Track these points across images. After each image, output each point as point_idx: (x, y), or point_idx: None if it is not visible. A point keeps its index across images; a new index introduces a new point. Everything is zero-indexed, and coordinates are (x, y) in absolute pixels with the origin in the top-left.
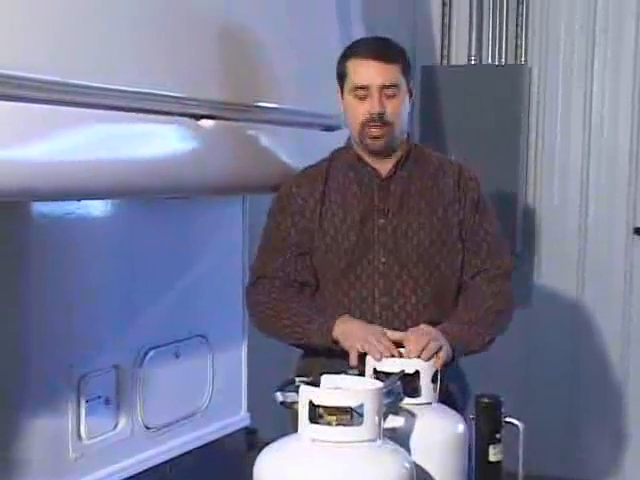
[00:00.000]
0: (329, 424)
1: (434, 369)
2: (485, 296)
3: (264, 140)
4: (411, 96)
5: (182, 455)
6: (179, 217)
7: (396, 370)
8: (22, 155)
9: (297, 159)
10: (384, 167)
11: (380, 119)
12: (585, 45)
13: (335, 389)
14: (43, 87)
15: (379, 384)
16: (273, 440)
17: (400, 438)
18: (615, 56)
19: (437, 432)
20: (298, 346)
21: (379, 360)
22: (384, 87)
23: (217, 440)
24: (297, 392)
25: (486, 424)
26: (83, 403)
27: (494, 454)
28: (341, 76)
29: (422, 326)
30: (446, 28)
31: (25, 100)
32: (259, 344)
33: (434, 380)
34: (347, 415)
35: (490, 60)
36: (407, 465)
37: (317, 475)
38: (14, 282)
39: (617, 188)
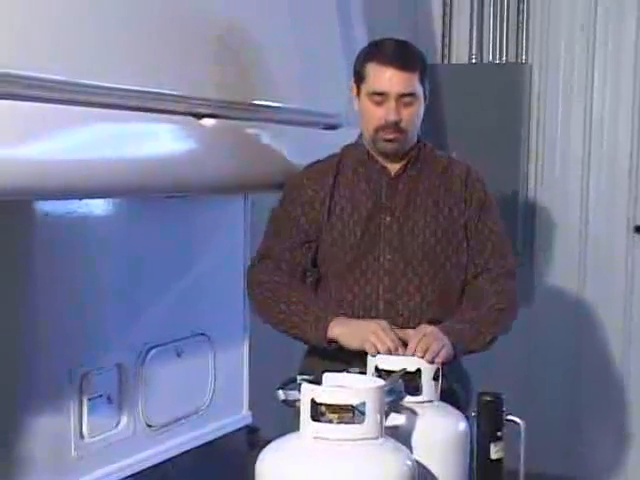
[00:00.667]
0: (331, 422)
1: (435, 367)
2: (488, 295)
3: (266, 139)
4: (426, 100)
5: (184, 453)
6: (181, 216)
7: (398, 368)
8: (24, 154)
9: (299, 158)
10: (393, 166)
11: (395, 126)
12: (586, 43)
13: (337, 387)
14: (44, 86)
15: (381, 382)
16: (275, 438)
17: (402, 436)
18: (616, 55)
19: (438, 430)
20: (294, 338)
21: (388, 353)
22: (402, 95)
23: (219, 438)
24: (299, 390)
25: (487, 422)
26: (85, 401)
27: (495, 452)
28: (359, 76)
29: (423, 326)
30: (447, 27)
31: (27, 99)
32: (261, 342)
33: (435, 378)
34: (349, 413)
35: (491, 59)
36: (409, 463)
37: (319, 473)
38: (16, 281)
39: (618, 186)
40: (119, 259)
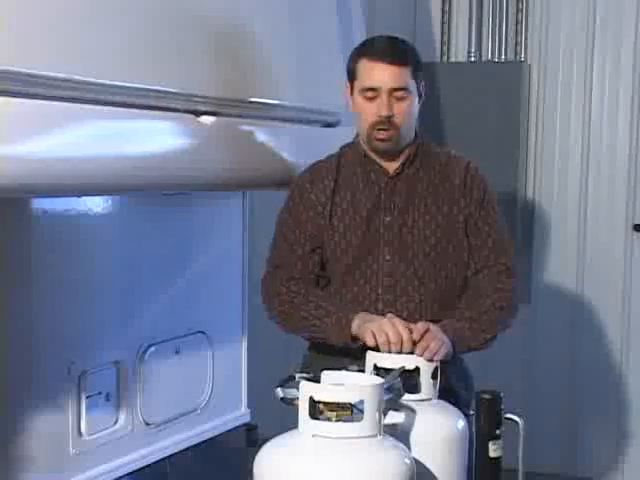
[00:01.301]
0: (329, 420)
1: (434, 365)
2: (487, 293)
3: (264, 136)
4: (421, 98)
5: (182, 451)
6: (179, 213)
7: (396, 366)
8: (23, 151)
9: (297, 156)
10: (391, 165)
11: (388, 122)
12: (585, 42)
13: (335, 385)
14: (43, 83)
15: (379, 380)
16: (273, 436)
17: (400, 434)
18: (615, 53)
19: (437, 428)
20: (317, 343)
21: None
22: (394, 90)
23: (217, 436)
24: (297, 388)
25: (486, 420)
26: (83, 399)
27: (494, 450)
28: (351, 74)
29: (421, 324)
30: (446, 25)
31: (26, 96)
32: (259, 340)
33: (434, 376)
34: (347, 411)
35: (490, 57)
36: (407, 461)
37: (317, 471)
38: (14, 278)
39: (616, 185)
40: (117, 257)
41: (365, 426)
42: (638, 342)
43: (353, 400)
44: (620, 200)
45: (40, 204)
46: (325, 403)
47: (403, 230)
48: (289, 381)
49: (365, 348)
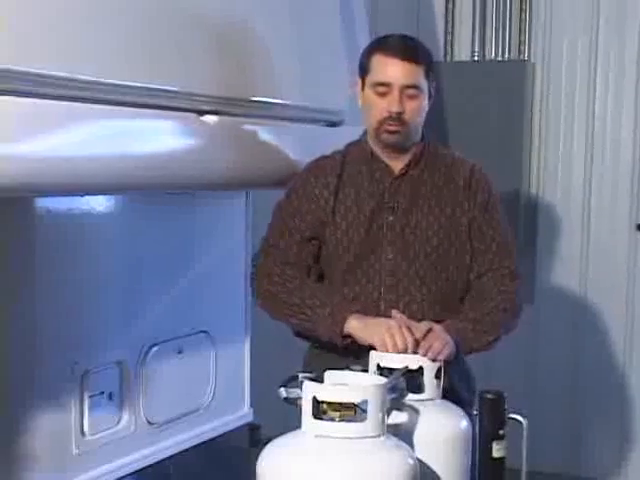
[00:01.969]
0: (333, 420)
1: (438, 365)
2: (491, 295)
3: (267, 136)
4: (431, 97)
5: (185, 451)
6: (182, 213)
7: (400, 366)
8: (26, 150)
9: (301, 155)
10: (397, 165)
11: (398, 118)
12: (588, 41)
13: (339, 385)
14: (48, 82)
15: (383, 380)
16: (276, 436)
17: (404, 434)
18: (618, 52)
19: (440, 428)
20: (302, 335)
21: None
22: (406, 87)
23: (220, 436)
24: (301, 388)
25: (490, 420)
26: (86, 399)
27: (497, 450)
28: (363, 70)
29: (424, 323)
30: (449, 24)
31: (29, 95)
32: (262, 340)
33: (437, 376)
34: (351, 411)
35: (493, 56)
36: (411, 461)
37: (320, 471)
38: (18, 278)
39: (620, 184)
40: (121, 257)
41: (368, 426)
42: None
43: (356, 400)
44: (624, 200)
45: (43, 203)
46: (328, 403)
47: (406, 230)
48: (292, 381)
49: (355, 347)
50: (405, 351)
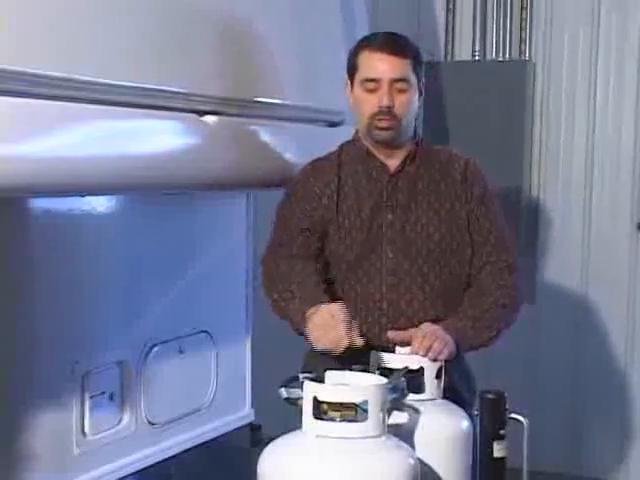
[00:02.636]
0: (333, 420)
1: (438, 365)
2: (490, 291)
3: (268, 136)
4: (421, 95)
5: (186, 451)
6: (183, 213)
7: (400, 366)
8: (26, 151)
9: (301, 155)
10: (392, 162)
11: (389, 113)
12: (589, 40)
13: (339, 385)
14: (47, 83)
15: (383, 380)
16: (277, 436)
17: (404, 434)
18: (619, 51)
19: (441, 428)
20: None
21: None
22: (394, 81)
23: (221, 436)
24: (301, 388)
25: (490, 420)
26: (87, 399)
27: (498, 450)
28: (352, 69)
29: (425, 324)
30: (450, 24)
31: (29, 96)
32: (263, 340)
33: (438, 376)
34: (351, 411)
35: (494, 56)
36: (411, 461)
37: (321, 471)
38: (18, 278)
39: (621, 184)
40: (121, 257)
41: (369, 426)
42: None
43: (357, 400)
44: (624, 200)
45: (43, 203)
46: (329, 403)
47: (406, 228)
48: (293, 381)
49: (369, 348)
50: (337, 347)
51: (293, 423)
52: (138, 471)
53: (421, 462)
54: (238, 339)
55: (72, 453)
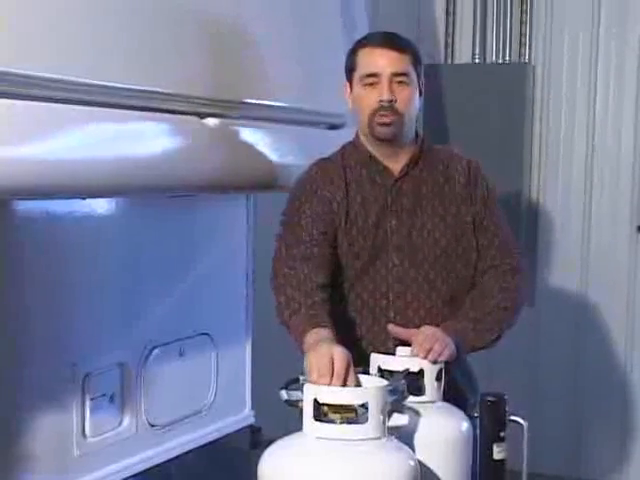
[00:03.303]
0: (334, 422)
1: (438, 367)
2: (493, 293)
3: (269, 139)
4: (421, 94)
5: (186, 453)
6: (183, 215)
7: (401, 368)
8: (26, 153)
9: (303, 158)
10: (396, 166)
11: (390, 107)
12: (589, 43)
13: (340, 387)
14: (48, 85)
15: (383, 382)
16: (277, 438)
17: (404, 436)
18: (619, 54)
19: (441, 430)
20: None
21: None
22: (394, 75)
23: (221, 438)
24: (302, 390)
25: (490, 422)
26: (88, 401)
27: (498, 452)
28: (350, 69)
29: (425, 327)
30: (450, 27)
31: (31, 98)
32: (263, 342)
33: (438, 378)
34: (352, 413)
35: (494, 59)
36: (411, 463)
37: (321, 473)
38: (18, 282)
39: (621, 186)
40: (122, 259)
41: (369, 428)
42: None
43: (357, 402)
44: (624, 202)
45: (43, 205)
46: (329, 405)
47: (412, 233)
48: (293, 383)
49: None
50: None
51: (293, 425)
52: (139, 473)
53: (421, 464)
54: (238, 341)
55: (72, 455)
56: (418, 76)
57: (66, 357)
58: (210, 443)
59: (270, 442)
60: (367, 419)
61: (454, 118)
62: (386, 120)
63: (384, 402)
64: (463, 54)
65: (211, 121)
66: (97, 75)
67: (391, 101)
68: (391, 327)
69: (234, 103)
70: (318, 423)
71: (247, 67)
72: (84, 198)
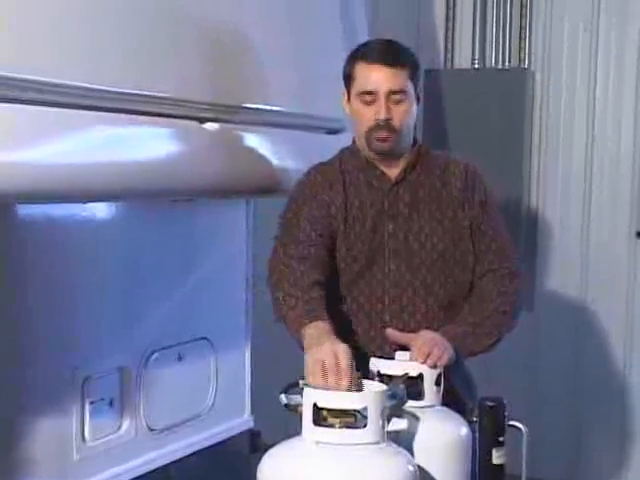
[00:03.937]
0: (333, 427)
1: (437, 372)
2: (491, 297)
3: (268, 144)
4: (418, 102)
5: (185, 457)
6: (183, 220)
7: (400, 373)
8: (28, 157)
9: (301, 162)
10: (393, 171)
11: (386, 125)
12: (588, 49)
13: (339, 392)
14: (47, 90)
15: (383, 387)
16: (277, 443)
17: (403, 441)
18: (618, 60)
19: (440, 435)
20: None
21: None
22: (391, 93)
23: (221, 442)
24: (301, 395)
25: (489, 427)
26: (87, 405)
27: (497, 457)
28: (348, 78)
29: (423, 331)
30: (450, 32)
31: (32, 103)
32: (262, 347)
33: (437, 383)
34: (351, 417)
35: (493, 64)
36: (410, 467)
37: (321, 477)
38: (19, 284)
39: (620, 192)
40: (122, 263)
41: (368, 433)
42: None
43: (357, 407)
44: (624, 207)
45: (44, 208)
46: (328, 410)
47: (409, 238)
48: (293, 387)
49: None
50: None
51: (293, 429)
52: (138, 477)
53: (420, 469)
54: (238, 345)
55: (72, 459)
56: (416, 87)
57: (67, 360)
58: (209, 447)
59: (269, 446)
60: (366, 424)
61: (453, 123)
62: (383, 135)
63: (383, 406)
64: (462, 59)
65: (211, 126)
66: (96, 79)
67: (387, 119)
68: (390, 332)
69: (234, 108)
70: (317, 427)
71: (246, 72)
72: (84, 202)
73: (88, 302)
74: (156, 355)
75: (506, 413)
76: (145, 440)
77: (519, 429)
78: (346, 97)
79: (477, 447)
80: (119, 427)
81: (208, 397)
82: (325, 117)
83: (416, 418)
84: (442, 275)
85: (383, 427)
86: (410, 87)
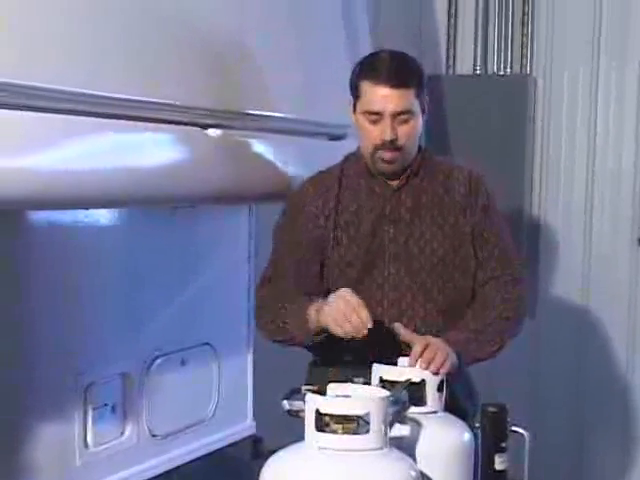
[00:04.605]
0: (335, 433)
1: (440, 378)
2: (494, 304)
3: (271, 150)
4: (424, 112)
5: (188, 463)
6: (186, 226)
7: (402, 379)
8: (30, 164)
9: (304, 169)
10: (395, 179)
11: (392, 145)
12: (591, 55)
13: (341, 397)
14: (50, 96)
15: (385, 393)
16: (279, 449)
17: (406, 447)
18: (621, 66)
19: (443, 441)
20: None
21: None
22: (397, 114)
23: (223, 448)
24: (303, 400)
25: (492, 433)
26: (90, 411)
27: (500, 463)
28: (354, 92)
29: (426, 337)
30: (451, 38)
31: (36, 110)
32: (265, 352)
33: (440, 389)
34: (353, 423)
35: (495, 70)
36: (413, 474)
37: None
38: (21, 290)
39: (621, 198)
40: (124, 269)
41: (371, 439)
42: None
43: (359, 412)
44: (626, 215)
45: (46, 214)
46: (331, 416)
47: (409, 242)
48: (295, 393)
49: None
50: (359, 332)
51: (295, 435)
52: None
53: (423, 475)
54: (240, 351)
55: (74, 464)
56: (422, 101)
57: (70, 366)
58: (212, 453)
59: (272, 452)
60: (369, 429)
61: (455, 128)
62: (387, 157)
63: (386, 412)
64: (464, 65)
65: (214, 132)
66: (100, 86)
67: (393, 140)
68: (397, 325)
69: (236, 114)
70: (320, 433)
71: (249, 78)
72: (87, 209)
73: (91, 308)
74: (159, 361)
75: (508, 419)
76: (147, 446)
77: (521, 435)
78: (352, 106)
79: (479, 453)
80: (122, 433)
81: (210, 403)
82: (328, 123)
83: (418, 424)
84: (441, 280)
85: (386, 433)
86: (416, 105)
